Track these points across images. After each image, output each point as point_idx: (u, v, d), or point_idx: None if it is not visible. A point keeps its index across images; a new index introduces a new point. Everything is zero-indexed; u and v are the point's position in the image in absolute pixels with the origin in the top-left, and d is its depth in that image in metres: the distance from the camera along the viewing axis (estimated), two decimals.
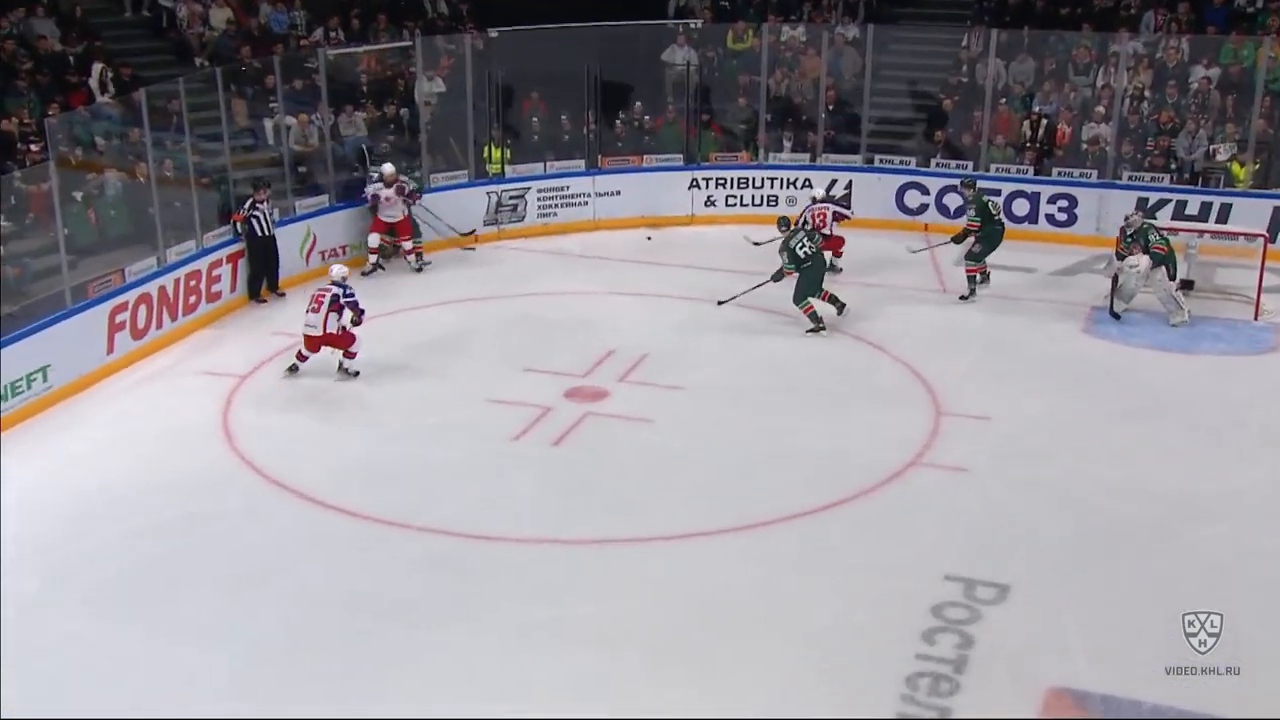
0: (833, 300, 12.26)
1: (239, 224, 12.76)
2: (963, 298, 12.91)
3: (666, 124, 16.23)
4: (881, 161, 15.82)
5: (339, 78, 14.80)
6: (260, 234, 12.79)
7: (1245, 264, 12.79)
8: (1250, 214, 13.86)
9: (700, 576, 8.07)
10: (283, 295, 13.02)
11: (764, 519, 8.65)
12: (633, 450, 9.81)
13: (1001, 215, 13.26)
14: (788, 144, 16.17)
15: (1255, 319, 12.18)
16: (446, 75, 15.41)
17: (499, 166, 15.32)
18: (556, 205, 15.58)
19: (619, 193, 15.69)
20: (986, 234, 13.01)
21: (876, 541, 8.43)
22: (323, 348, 10.97)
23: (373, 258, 13.72)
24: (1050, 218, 14.75)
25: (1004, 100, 15.66)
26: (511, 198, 15.35)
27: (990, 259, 13.15)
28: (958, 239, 13.18)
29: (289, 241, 13.32)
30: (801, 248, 12.04)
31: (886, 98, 16.57)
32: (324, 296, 10.87)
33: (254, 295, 12.90)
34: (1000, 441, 9.79)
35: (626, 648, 7.35)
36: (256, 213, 12.73)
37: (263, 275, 12.96)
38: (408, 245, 13.94)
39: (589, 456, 9.73)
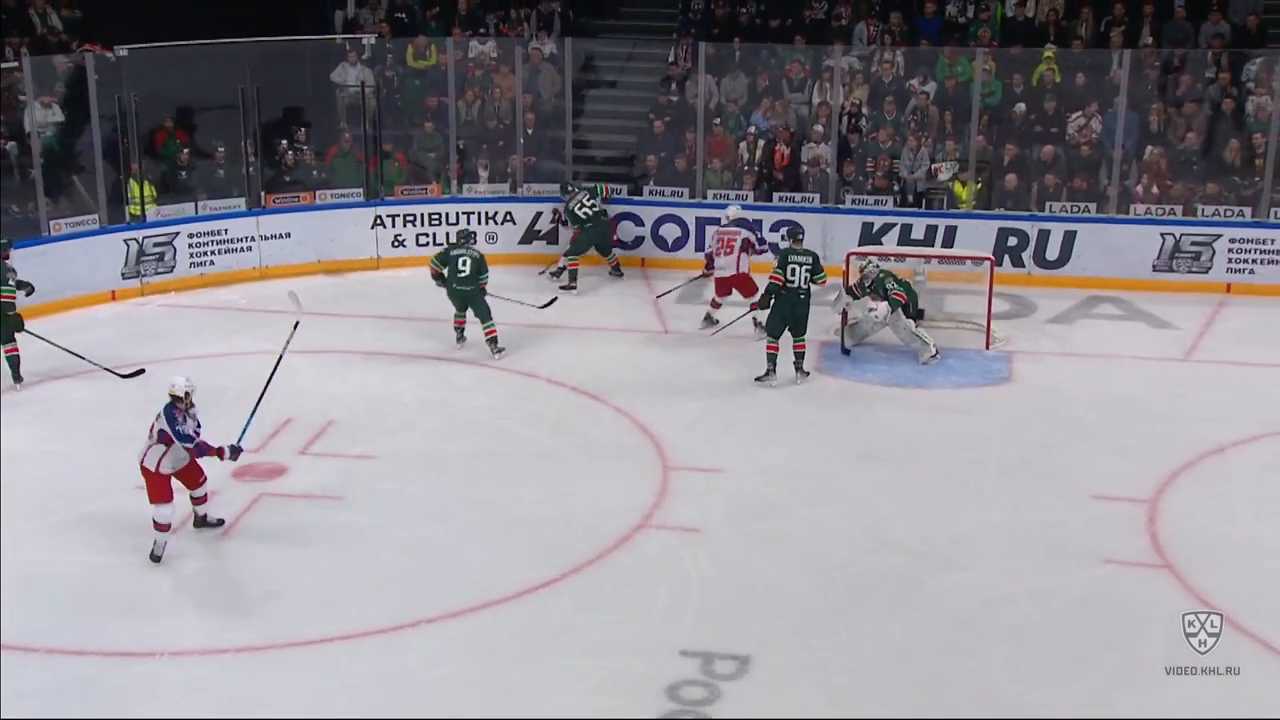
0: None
1: None
2: (758, 378, 12.39)
3: (341, 154, 16.12)
4: None
5: None
6: None
7: (974, 289, 13.99)
8: (975, 236, 15.18)
9: (410, 674, 7.98)
10: None
11: (479, 601, 8.65)
12: (320, 534, 9.60)
13: (796, 280, 12.29)
14: (484, 173, 16.41)
15: (987, 348, 13.25)
16: (64, 101, 14.74)
17: (139, 208, 14.75)
18: (213, 252, 15.15)
19: (289, 235, 15.46)
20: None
21: (606, 617, 8.59)
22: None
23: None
24: (774, 247, 15.55)
25: (719, 120, 16.48)
26: (156, 245, 14.79)
27: (716, 295, 13.81)
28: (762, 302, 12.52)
29: None
30: (581, 207, 13.93)
31: (591, 119, 17.10)
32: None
33: None
34: (733, 496, 10.20)
35: None
36: None
37: None
38: None
39: (265, 546, 9.44)
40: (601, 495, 10.16)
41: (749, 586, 8.96)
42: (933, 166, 15.84)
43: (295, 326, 10.52)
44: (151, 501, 9.08)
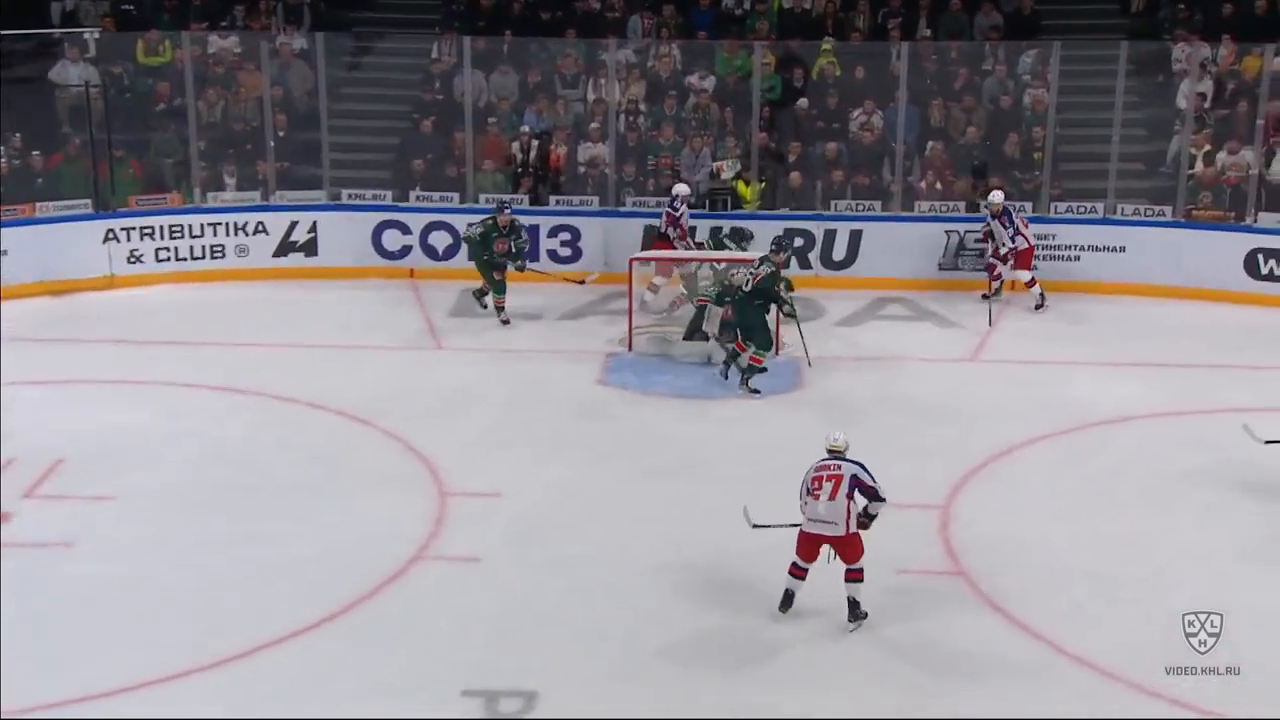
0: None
1: None
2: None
3: (66, 161, 15.53)
4: (351, 198, 16.09)
5: None
6: None
7: None
8: (761, 237, 15.36)
9: None
10: None
11: (240, 650, 8.42)
12: (50, 585, 9.17)
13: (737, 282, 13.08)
14: (231, 180, 16.03)
15: (776, 354, 13.58)
16: None
17: None
18: None
19: (6, 251, 14.77)
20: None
21: (381, 658, 8.46)
22: None
23: None
24: (553, 253, 15.67)
25: (492, 119, 16.49)
26: None
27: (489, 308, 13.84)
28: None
29: None
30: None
31: (351, 120, 16.90)
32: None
33: None
34: (515, 521, 10.19)
35: None
36: None
37: None
38: None
39: None
40: (372, 527, 10.01)
41: (534, 616, 8.94)
42: (714, 166, 16.20)
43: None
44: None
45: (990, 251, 15.17)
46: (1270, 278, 15.36)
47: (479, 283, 14.54)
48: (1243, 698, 8.02)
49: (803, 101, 16.57)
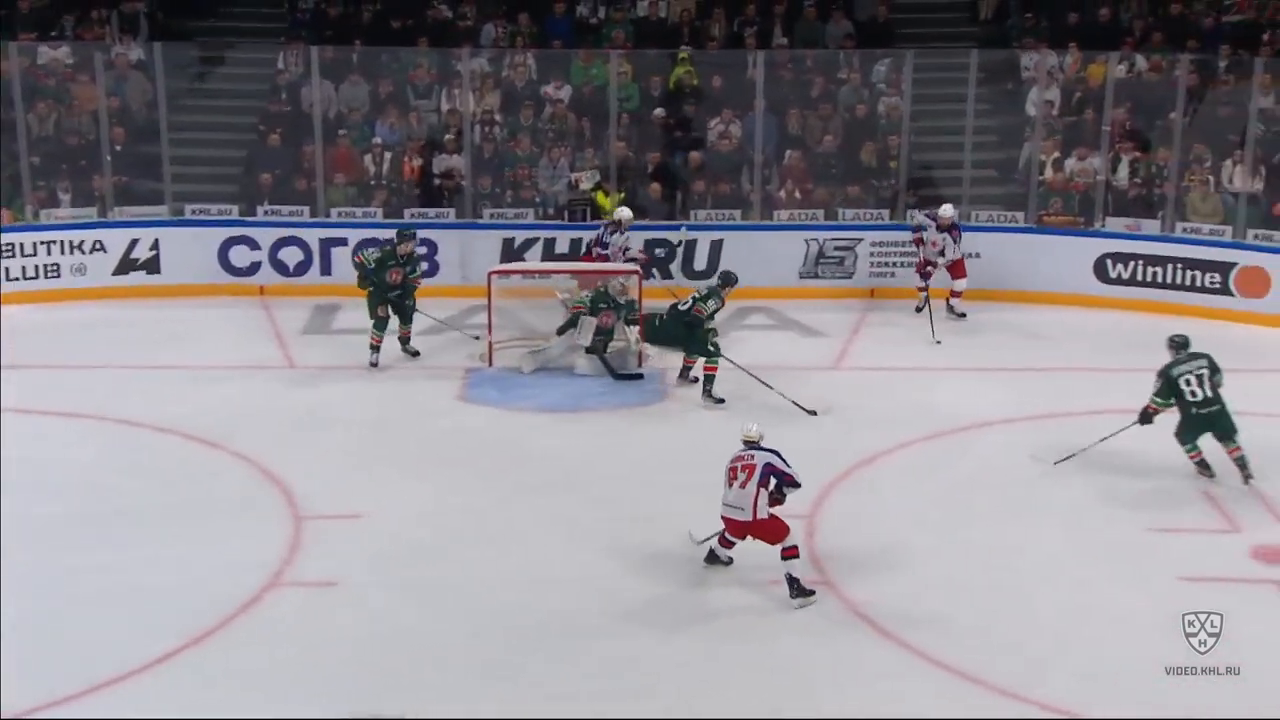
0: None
1: None
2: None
3: None
4: (195, 213, 15.82)
5: None
6: None
7: None
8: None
9: None
10: None
11: (85, 686, 8.21)
12: None
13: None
14: (66, 196, 15.69)
15: (639, 365, 13.69)
16: None
17: None
18: None
19: None
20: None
21: (236, 690, 8.30)
22: None
23: None
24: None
25: (342, 131, 16.33)
26: None
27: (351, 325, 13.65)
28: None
29: None
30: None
31: (193, 133, 16.62)
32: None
33: None
34: (377, 543, 10.07)
35: None
36: None
37: None
38: None
39: None
40: (222, 554, 9.83)
41: (398, 642, 8.85)
42: (573, 177, 16.27)
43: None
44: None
45: (921, 261, 15.38)
46: (1119, 281, 15.92)
47: (329, 298, 14.33)
48: (1105, 701, 8.25)
49: (659, 110, 16.72)
